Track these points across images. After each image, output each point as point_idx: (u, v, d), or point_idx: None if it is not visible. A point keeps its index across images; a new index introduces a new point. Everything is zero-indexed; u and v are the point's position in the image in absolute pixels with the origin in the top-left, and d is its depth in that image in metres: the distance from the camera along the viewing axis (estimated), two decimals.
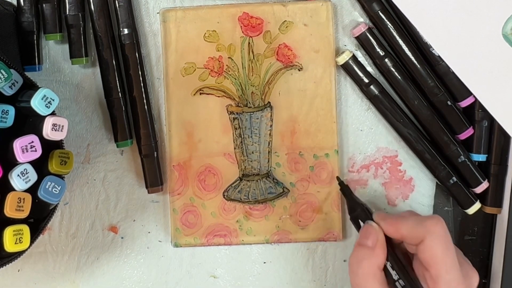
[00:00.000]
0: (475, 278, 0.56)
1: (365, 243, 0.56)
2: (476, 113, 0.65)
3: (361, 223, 0.59)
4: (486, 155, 0.66)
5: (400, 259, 0.57)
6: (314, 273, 0.68)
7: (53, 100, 0.55)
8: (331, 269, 0.68)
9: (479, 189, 0.66)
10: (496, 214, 0.67)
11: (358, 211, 0.60)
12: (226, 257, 0.68)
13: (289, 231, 0.66)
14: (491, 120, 0.65)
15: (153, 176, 0.66)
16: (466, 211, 0.66)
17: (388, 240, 0.57)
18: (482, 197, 0.67)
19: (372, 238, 0.56)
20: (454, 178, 0.65)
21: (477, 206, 0.66)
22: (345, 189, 0.62)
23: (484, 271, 0.68)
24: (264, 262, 0.68)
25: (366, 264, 0.55)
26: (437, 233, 0.54)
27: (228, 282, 0.68)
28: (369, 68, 0.66)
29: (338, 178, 0.64)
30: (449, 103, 0.65)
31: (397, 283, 0.56)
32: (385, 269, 0.56)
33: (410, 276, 0.56)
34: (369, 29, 0.64)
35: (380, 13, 0.64)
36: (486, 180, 0.66)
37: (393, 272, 0.56)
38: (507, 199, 0.66)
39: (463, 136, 0.66)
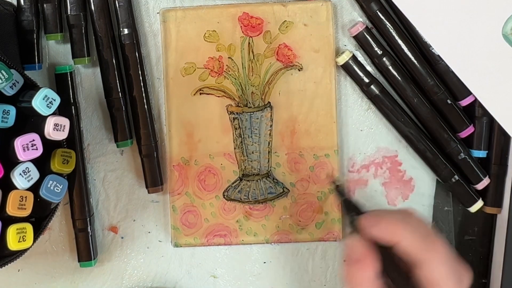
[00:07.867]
0: (467, 276, 0.53)
1: (350, 258, 0.52)
2: (477, 109, 0.65)
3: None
4: (487, 151, 0.66)
5: (396, 261, 0.52)
6: (314, 273, 0.68)
7: (54, 100, 0.55)
8: (331, 269, 0.68)
9: (480, 186, 0.66)
10: (496, 214, 0.68)
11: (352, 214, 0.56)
12: (226, 257, 0.68)
13: (289, 231, 0.66)
14: (491, 117, 0.65)
15: (153, 176, 0.66)
16: (468, 209, 0.66)
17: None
18: (482, 197, 0.67)
19: (355, 252, 0.52)
20: (456, 177, 0.65)
21: (479, 204, 0.66)
22: (341, 190, 0.58)
23: (484, 271, 0.69)
24: (264, 262, 0.68)
25: (359, 279, 0.51)
26: (442, 254, 0.50)
27: (228, 282, 0.68)
28: (369, 68, 0.66)
29: (335, 181, 0.60)
30: (449, 101, 0.65)
31: None
32: (383, 273, 0.52)
33: (407, 281, 0.52)
34: (367, 28, 0.64)
35: (379, 13, 0.64)
36: (487, 176, 0.66)
37: (388, 280, 0.52)
38: (507, 199, 0.66)
39: (464, 134, 0.66)
